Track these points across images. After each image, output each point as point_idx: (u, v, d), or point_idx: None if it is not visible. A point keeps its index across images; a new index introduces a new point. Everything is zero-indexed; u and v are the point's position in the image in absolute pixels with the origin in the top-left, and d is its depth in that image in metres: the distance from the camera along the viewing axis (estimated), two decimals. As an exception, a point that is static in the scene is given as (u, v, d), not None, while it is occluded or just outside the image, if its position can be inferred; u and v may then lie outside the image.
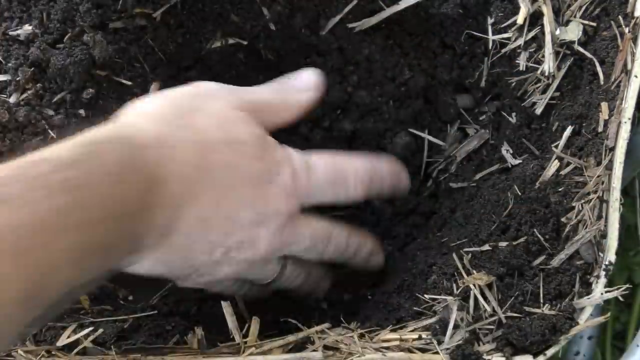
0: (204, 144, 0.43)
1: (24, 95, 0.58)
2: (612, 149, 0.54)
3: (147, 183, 0.39)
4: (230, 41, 0.68)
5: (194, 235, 0.44)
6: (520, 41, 0.67)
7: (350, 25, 0.71)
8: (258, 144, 0.46)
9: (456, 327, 0.50)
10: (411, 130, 0.73)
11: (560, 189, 0.56)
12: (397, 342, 0.50)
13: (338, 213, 0.71)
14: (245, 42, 0.68)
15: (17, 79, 0.58)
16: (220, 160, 0.44)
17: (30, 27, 0.59)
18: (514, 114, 0.69)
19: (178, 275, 0.49)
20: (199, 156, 0.42)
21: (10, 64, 0.58)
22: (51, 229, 0.33)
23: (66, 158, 0.35)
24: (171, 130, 0.42)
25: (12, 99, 0.57)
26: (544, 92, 0.66)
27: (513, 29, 0.68)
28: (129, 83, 0.63)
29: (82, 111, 0.60)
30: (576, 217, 0.54)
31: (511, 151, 0.67)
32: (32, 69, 0.58)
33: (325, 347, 0.50)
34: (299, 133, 0.74)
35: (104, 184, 0.36)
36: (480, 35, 0.70)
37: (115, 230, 0.37)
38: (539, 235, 0.54)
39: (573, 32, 0.63)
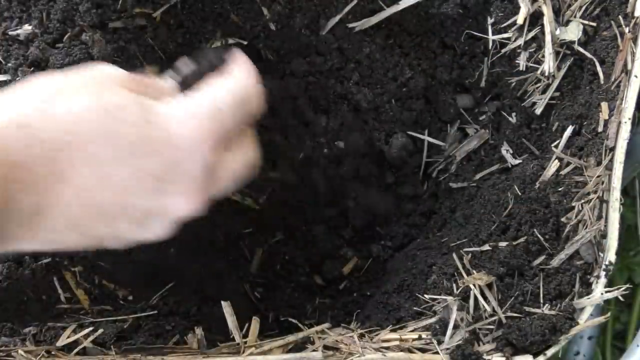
0: (74, 117, 0.38)
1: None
2: (612, 149, 0.54)
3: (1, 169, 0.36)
4: (230, 41, 0.68)
5: (78, 211, 0.39)
6: (520, 41, 0.67)
7: (350, 25, 0.71)
8: (139, 106, 0.40)
9: (456, 327, 0.50)
10: (409, 132, 0.74)
11: (560, 189, 0.56)
12: (397, 342, 0.50)
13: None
14: (245, 42, 0.68)
15: (17, 78, 0.58)
16: (93, 130, 0.39)
17: (30, 27, 0.59)
18: (514, 114, 0.69)
19: (86, 245, 0.42)
20: (67, 131, 0.38)
21: (10, 64, 0.58)
22: None
23: None
24: (35, 108, 0.38)
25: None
26: (544, 92, 0.66)
27: (513, 29, 0.68)
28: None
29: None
30: (576, 217, 0.54)
31: (511, 151, 0.67)
32: (32, 68, 0.58)
33: (325, 347, 0.50)
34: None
35: None
36: (480, 35, 0.70)
37: None
38: (539, 235, 0.53)
39: (573, 32, 0.63)
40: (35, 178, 0.37)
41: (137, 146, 0.39)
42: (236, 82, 0.43)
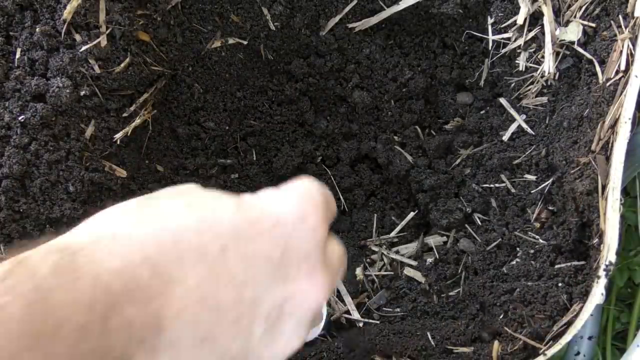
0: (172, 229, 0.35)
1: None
2: (612, 149, 0.54)
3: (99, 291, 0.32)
4: (230, 41, 0.68)
5: (200, 313, 0.35)
6: (520, 41, 0.67)
7: (350, 25, 0.71)
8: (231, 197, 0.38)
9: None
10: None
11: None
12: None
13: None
14: (245, 42, 0.68)
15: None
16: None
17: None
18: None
19: None
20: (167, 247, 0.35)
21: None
22: None
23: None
24: (133, 225, 0.35)
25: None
26: (543, 91, 0.66)
27: (513, 29, 0.68)
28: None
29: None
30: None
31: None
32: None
33: None
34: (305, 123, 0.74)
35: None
36: (480, 35, 0.70)
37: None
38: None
39: (573, 32, 0.63)
40: (140, 283, 0.33)
41: (241, 230, 0.36)
42: (311, 184, 0.41)
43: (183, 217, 0.35)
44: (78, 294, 0.31)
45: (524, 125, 0.67)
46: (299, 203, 0.39)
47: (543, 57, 0.65)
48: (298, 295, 0.39)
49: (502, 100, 0.69)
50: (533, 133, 0.66)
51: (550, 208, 0.62)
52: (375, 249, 0.71)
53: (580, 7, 0.63)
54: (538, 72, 0.65)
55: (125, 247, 0.33)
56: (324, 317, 0.47)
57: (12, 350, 0.28)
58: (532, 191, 0.64)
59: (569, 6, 0.64)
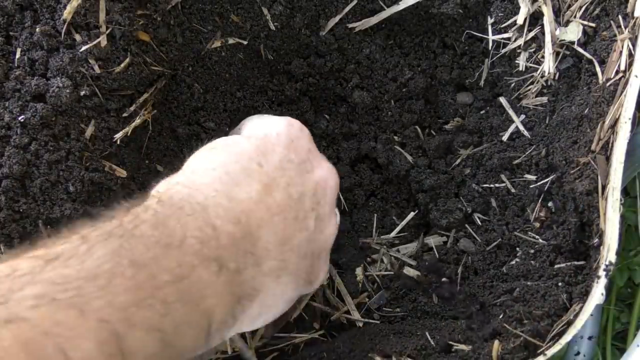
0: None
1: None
2: (612, 149, 0.54)
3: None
4: (230, 41, 0.68)
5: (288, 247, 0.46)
6: (520, 41, 0.67)
7: (350, 25, 0.71)
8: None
9: None
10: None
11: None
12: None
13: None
14: (245, 42, 0.68)
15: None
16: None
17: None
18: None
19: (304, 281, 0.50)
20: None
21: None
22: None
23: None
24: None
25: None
26: (543, 92, 0.66)
27: (513, 29, 0.68)
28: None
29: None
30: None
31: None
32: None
33: None
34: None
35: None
36: (480, 35, 0.70)
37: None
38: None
39: (573, 32, 0.63)
40: (227, 210, 0.42)
41: (260, 149, 0.48)
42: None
43: (220, 156, 0.47)
44: (188, 219, 0.39)
45: (521, 128, 0.67)
46: (279, 119, 0.53)
47: (543, 57, 0.65)
48: (321, 180, 0.50)
49: (502, 100, 0.69)
50: (529, 135, 0.66)
51: (550, 208, 0.62)
52: (376, 248, 0.71)
53: (580, 7, 0.63)
54: (538, 72, 0.65)
55: (204, 185, 0.43)
56: (338, 215, 0.56)
57: (148, 256, 0.35)
58: (532, 191, 0.64)
59: (569, 6, 0.64)
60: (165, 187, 0.43)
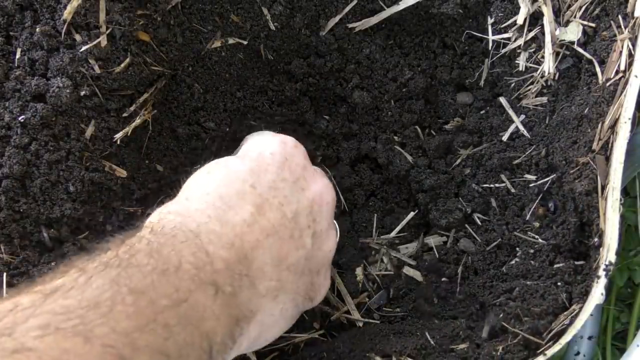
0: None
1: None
2: (612, 149, 0.54)
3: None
4: (230, 41, 0.68)
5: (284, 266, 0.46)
6: (520, 41, 0.67)
7: (350, 25, 0.71)
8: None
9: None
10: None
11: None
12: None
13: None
14: (245, 42, 0.68)
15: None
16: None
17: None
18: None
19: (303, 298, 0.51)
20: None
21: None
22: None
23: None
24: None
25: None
26: (543, 92, 0.66)
27: (513, 29, 0.68)
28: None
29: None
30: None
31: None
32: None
33: None
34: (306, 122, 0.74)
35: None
36: (480, 35, 0.70)
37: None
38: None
39: (573, 32, 0.63)
40: (220, 234, 0.42)
41: (254, 170, 0.48)
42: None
43: (214, 181, 0.47)
44: (182, 246, 0.39)
45: (521, 128, 0.67)
46: (273, 138, 0.53)
47: (543, 57, 0.65)
48: (316, 197, 0.50)
49: (502, 100, 0.69)
50: (529, 135, 0.66)
51: (549, 208, 0.62)
52: (376, 248, 0.71)
53: (580, 7, 0.63)
54: (538, 72, 0.65)
55: (198, 211, 0.43)
56: (338, 229, 0.57)
57: (146, 283, 0.35)
58: (532, 191, 0.64)
59: (569, 6, 0.64)
60: (158, 217, 0.44)
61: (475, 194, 0.69)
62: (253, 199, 0.46)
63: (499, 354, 0.51)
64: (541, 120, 0.66)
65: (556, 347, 0.49)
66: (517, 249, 0.63)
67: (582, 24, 0.62)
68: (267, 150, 0.51)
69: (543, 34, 0.65)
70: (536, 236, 0.61)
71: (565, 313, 0.52)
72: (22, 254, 0.55)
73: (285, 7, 0.68)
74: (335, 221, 0.56)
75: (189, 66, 0.67)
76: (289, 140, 0.53)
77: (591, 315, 0.50)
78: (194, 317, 0.36)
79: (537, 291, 0.56)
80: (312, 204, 0.49)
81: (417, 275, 0.67)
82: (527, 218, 0.64)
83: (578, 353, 0.68)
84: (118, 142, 0.59)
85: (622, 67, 0.56)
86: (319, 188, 0.52)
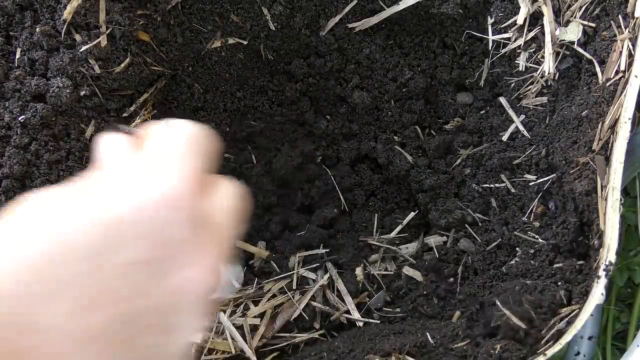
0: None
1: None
2: (612, 149, 0.54)
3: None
4: (230, 41, 0.68)
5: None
6: (520, 41, 0.67)
7: (350, 25, 0.71)
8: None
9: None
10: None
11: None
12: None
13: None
14: (245, 42, 0.68)
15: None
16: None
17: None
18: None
19: None
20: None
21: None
22: None
23: None
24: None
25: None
26: (543, 92, 0.66)
27: (513, 29, 0.68)
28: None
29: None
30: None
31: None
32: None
33: None
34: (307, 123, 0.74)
35: None
36: (480, 35, 0.70)
37: None
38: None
39: (573, 32, 0.63)
40: (6, 332, 0.28)
41: (104, 239, 0.31)
42: (184, 129, 0.35)
43: (42, 242, 0.30)
44: None
45: (521, 128, 0.67)
46: (171, 174, 0.33)
47: (543, 57, 0.65)
48: (186, 284, 0.34)
49: (502, 100, 0.69)
50: (529, 135, 0.66)
51: (549, 208, 0.62)
52: (376, 248, 0.71)
53: (580, 7, 0.63)
54: (538, 72, 0.65)
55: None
56: (239, 275, 0.45)
57: None
58: (532, 191, 0.64)
59: (569, 6, 0.64)
60: None
61: (475, 194, 0.69)
62: (83, 289, 0.30)
63: (497, 352, 0.50)
64: (541, 120, 0.66)
65: (556, 347, 0.49)
66: (517, 248, 0.63)
67: (582, 24, 0.62)
68: (146, 202, 0.32)
69: (543, 34, 0.65)
70: (536, 236, 0.61)
71: (564, 310, 0.52)
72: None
73: (285, 7, 0.68)
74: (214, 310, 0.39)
75: (189, 66, 0.67)
76: (187, 187, 0.33)
77: (591, 315, 0.50)
78: None
79: (535, 289, 0.56)
80: (173, 295, 0.33)
81: (417, 275, 0.67)
82: (527, 218, 0.64)
83: (578, 353, 0.68)
84: (118, 142, 0.59)
85: (622, 67, 0.56)
86: (194, 274, 0.34)
